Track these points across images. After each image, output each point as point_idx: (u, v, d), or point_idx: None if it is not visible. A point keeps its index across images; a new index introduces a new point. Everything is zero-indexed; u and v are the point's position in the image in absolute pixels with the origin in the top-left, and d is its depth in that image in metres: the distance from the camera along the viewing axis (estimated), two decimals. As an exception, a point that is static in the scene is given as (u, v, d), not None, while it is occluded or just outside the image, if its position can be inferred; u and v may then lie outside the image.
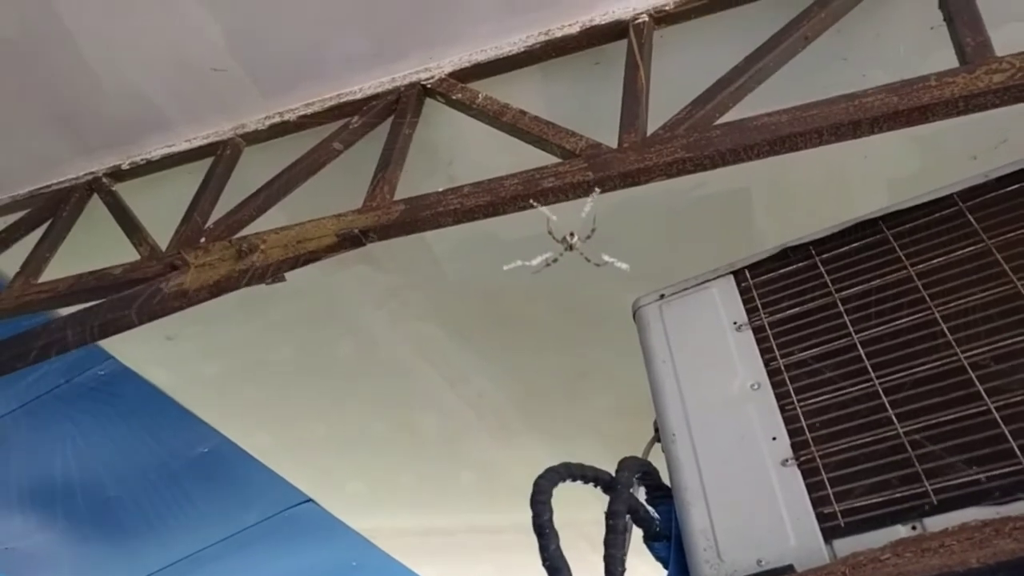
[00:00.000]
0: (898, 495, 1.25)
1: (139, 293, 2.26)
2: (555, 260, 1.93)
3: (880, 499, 1.26)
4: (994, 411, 1.27)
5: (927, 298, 1.49)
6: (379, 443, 4.56)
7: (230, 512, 4.85)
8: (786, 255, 1.74)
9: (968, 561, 1.06)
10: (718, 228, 3.00)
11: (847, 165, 2.56)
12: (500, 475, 4.74)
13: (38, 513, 4.54)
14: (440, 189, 2.10)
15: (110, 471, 4.39)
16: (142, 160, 2.90)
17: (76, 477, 4.38)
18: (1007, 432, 1.23)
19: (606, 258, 1.86)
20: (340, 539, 5.18)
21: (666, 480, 1.55)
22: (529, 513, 1.27)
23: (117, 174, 2.94)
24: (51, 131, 2.87)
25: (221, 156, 2.71)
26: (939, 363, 1.38)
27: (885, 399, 1.39)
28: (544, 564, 1.17)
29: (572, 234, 1.93)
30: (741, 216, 2.93)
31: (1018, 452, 1.20)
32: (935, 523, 1.18)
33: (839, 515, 1.27)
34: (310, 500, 4.87)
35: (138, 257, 2.53)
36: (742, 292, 1.74)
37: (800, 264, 1.71)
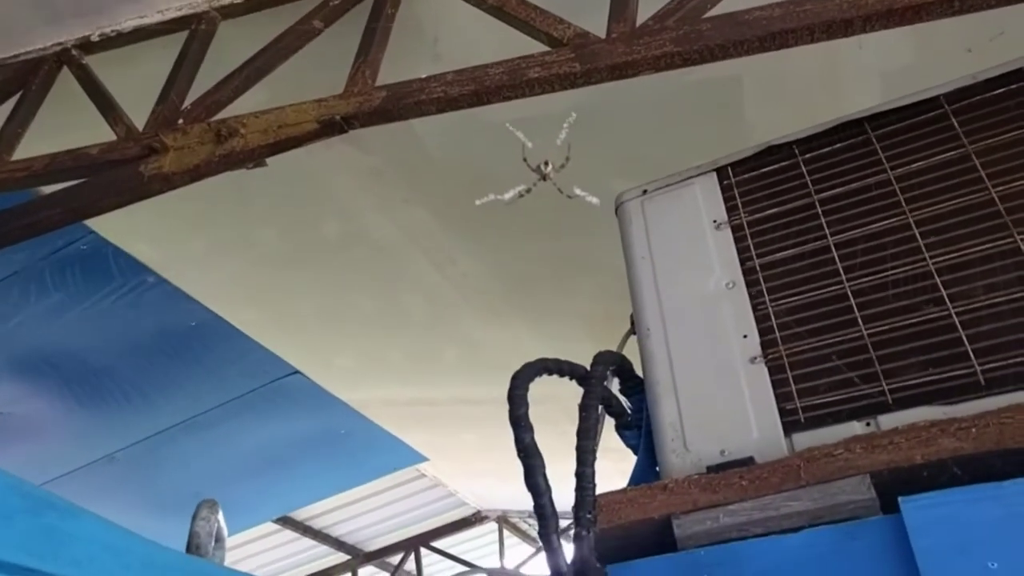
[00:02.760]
0: (856, 394, 1.32)
1: (118, 176, 2.25)
2: (528, 191, 1.91)
3: (839, 397, 1.33)
4: (954, 316, 1.31)
5: (903, 202, 1.50)
6: (366, 320, 4.65)
7: (219, 382, 4.99)
8: (769, 153, 1.73)
9: (913, 458, 1.14)
10: (708, 116, 2.96)
11: (841, 55, 2.51)
12: (484, 352, 4.89)
13: (30, 381, 4.65)
14: (424, 69, 2.05)
15: (98, 342, 4.48)
16: (112, 32, 2.79)
17: (64, 348, 4.47)
18: (964, 336, 1.28)
19: (578, 191, 1.85)
20: (328, 409, 5.37)
21: (640, 372, 1.61)
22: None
23: (86, 46, 2.84)
24: (13, -4, 2.74)
25: (196, 31, 2.61)
26: (908, 267, 1.42)
27: (853, 301, 1.43)
28: (519, 455, 1.24)
29: (547, 163, 1.91)
30: (732, 104, 2.89)
31: (971, 356, 1.26)
32: (888, 421, 1.25)
33: (800, 411, 1.34)
34: (298, 372, 5.02)
35: (114, 136, 2.48)
36: (724, 190, 1.74)
37: (783, 163, 1.70)
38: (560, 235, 3.73)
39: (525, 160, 1.90)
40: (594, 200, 1.84)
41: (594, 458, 1.31)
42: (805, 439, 1.30)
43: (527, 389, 1.33)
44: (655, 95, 2.84)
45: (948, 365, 1.27)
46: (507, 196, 1.92)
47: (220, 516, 1.17)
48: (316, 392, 5.17)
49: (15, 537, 0.74)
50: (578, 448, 1.29)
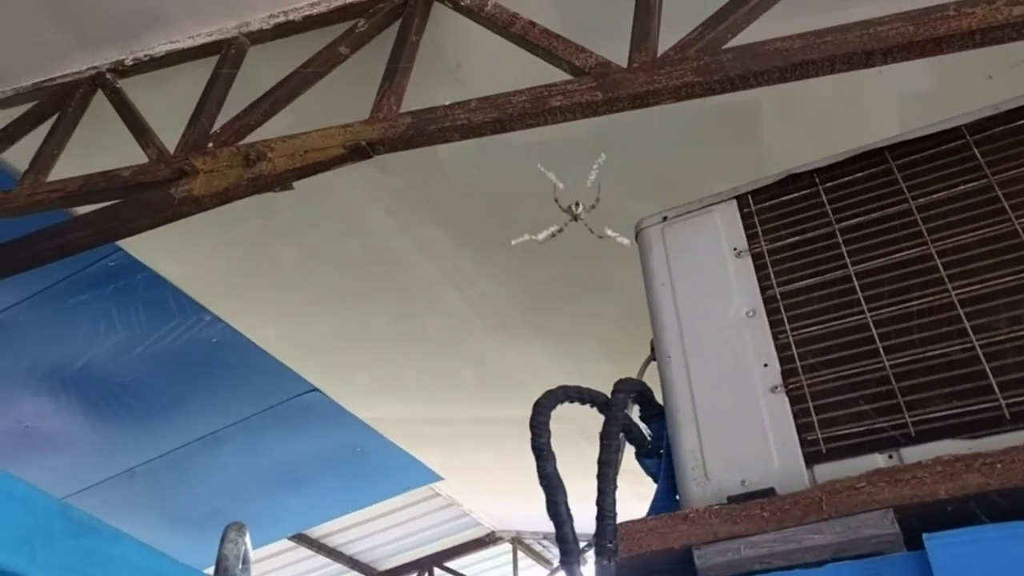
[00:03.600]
0: (878, 425, 1.32)
1: (149, 198, 2.29)
2: (560, 231, 1.94)
3: (861, 428, 1.33)
4: (978, 348, 1.31)
5: (925, 232, 1.50)
6: (384, 338, 4.68)
7: (239, 399, 5.04)
8: (790, 181, 1.74)
9: (937, 493, 1.13)
10: (727, 139, 2.98)
11: (861, 81, 2.51)
12: (501, 372, 4.90)
13: (54, 396, 4.71)
14: (446, 94, 2.09)
15: (121, 357, 4.54)
16: (145, 56, 2.86)
17: (89, 363, 4.53)
18: (988, 369, 1.28)
19: (609, 232, 1.87)
20: (345, 426, 5.40)
21: (660, 399, 1.62)
22: (527, 407, 1.34)
23: (120, 70, 2.91)
24: (52, 22, 2.83)
25: (226, 55, 2.67)
26: (930, 298, 1.42)
27: (875, 332, 1.43)
28: (541, 483, 1.25)
29: (577, 204, 1.93)
30: (751, 128, 2.91)
31: (996, 389, 1.26)
32: (911, 454, 1.25)
33: (821, 442, 1.34)
34: (316, 389, 5.05)
35: (145, 159, 2.54)
36: (744, 218, 1.75)
37: (803, 192, 1.71)
38: (577, 256, 3.74)
39: (556, 201, 1.92)
40: (625, 241, 1.86)
41: (615, 487, 1.31)
42: (827, 471, 1.30)
43: (549, 417, 1.34)
44: (674, 118, 2.85)
45: (972, 398, 1.27)
46: (541, 237, 1.94)
47: (247, 539, 1.19)
48: (333, 409, 5.20)
49: (57, 559, 0.77)
50: (599, 476, 1.30)
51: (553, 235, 1.97)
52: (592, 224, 1.96)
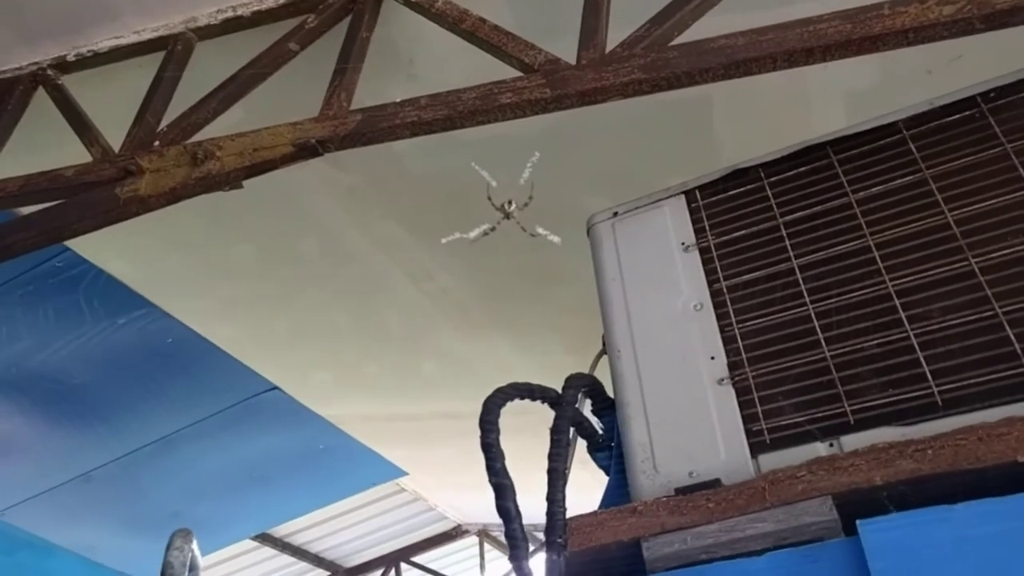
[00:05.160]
0: (820, 415, 1.35)
1: (94, 198, 2.25)
2: (492, 229, 1.95)
3: (803, 418, 1.36)
4: (913, 338, 1.35)
5: (864, 225, 1.54)
6: (343, 335, 4.66)
7: (197, 399, 4.97)
8: (736, 176, 1.77)
9: (873, 479, 1.17)
10: (679, 134, 3.02)
11: (807, 76, 2.56)
12: (462, 366, 4.90)
13: (3, 400, 4.60)
14: (399, 89, 2.08)
15: (74, 359, 4.44)
16: (88, 52, 2.79)
17: (40, 365, 4.43)
18: (922, 358, 1.32)
19: (540, 230, 1.89)
20: (307, 424, 5.36)
21: (611, 393, 1.64)
22: None
23: (62, 65, 2.84)
24: (-11, 16, 2.74)
25: (172, 51, 2.62)
26: (868, 290, 1.45)
27: (816, 323, 1.47)
28: (491, 481, 1.26)
29: (510, 202, 1.94)
30: (702, 121, 2.95)
31: (929, 377, 1.30)
32: (850, 442, 1.29)
33: (766, 432, 1.37)
34: (276, 388, 5.00)
35: (89, 158, 2.48)
36: (692, 212, 1.78)
37: (749, 186, 1.74)
38: (537, 249, 3.74)
39: (490, 199, 1.93)
40: (555, 239, 1.87)
41: (565, 481, 1.33)
42: (771, 460, 1.33)
43: (498, 415, 1.35)
44: (626, 113, 2.88)
45: (907, 386, 1.31)
46: (472, 235, 1.95)
47: (194, 545, 1.18)
48: (294, 408, 5.16)
49: (-12, 576, 0.75)
50: (549, 471, 1.32)
51: (485, 233, 1.98)
52: (525, 222, 1.97)
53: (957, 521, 0.97)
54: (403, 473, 6.55)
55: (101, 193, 2.27)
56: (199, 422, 5.10)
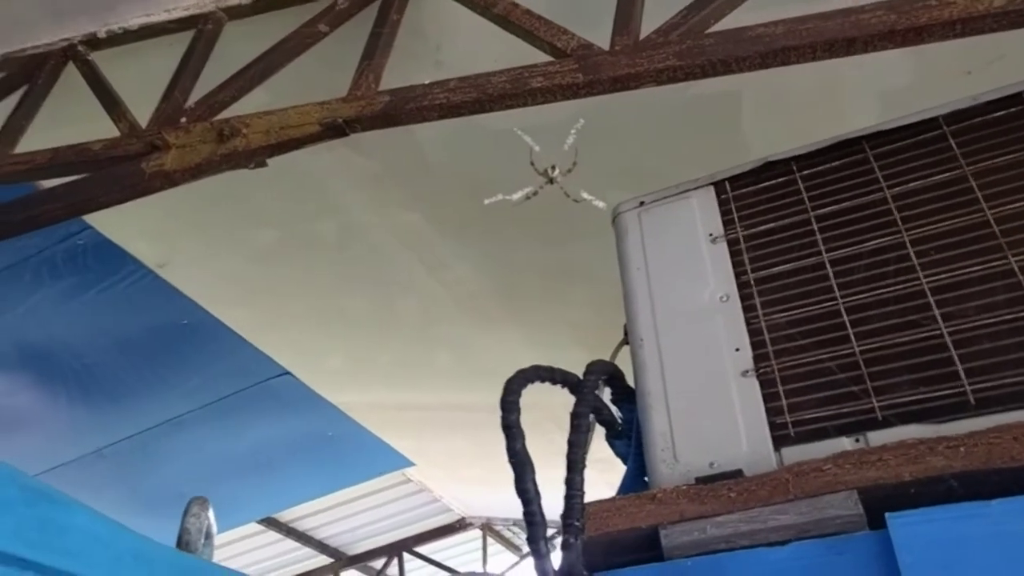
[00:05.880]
0: (846, 410, 1.33)
1: (120, 172, 2.25)
2: (535, 193, 1.94)
3: (829, 412, 1.34)
4: (946, 335, 1.32)
5: (899, 221, 1.51)
6: (358, 322, 4.66)
7: (209, 381, 4.99)
8: (767, 169, 1.75)
9: (901, 475, 1.15)
10: (707, 129, 2.99)
11: (840, 73, 2.53)
12: (475, 358, 4.89)
13: (20, 375, 4.64)
14: (427, 75, 2.07)
15: (91, 337, 4.47)
16: (119, 29, 2.80)
17: (57, 342, 4.46)
18: (955, 356, 1.30)
19: (584, 195, 1.87)
20: (317, 410, 5.37)
21: (632, 382, 1.62)
22: (500, 394, 1.34)
23: (93, 42, 2.85)
24: (22, -10, 2.76)
25: (202, 30, 2.63)
26: (901, 286, 1.43)
27: (846, 318, 1.44)
28: (510, 461, 1.24)
29: (553, 167, 1.93)
30: (731, 119, 2.92)
31: (962, 375, 1.27)
32: (878, 438, 1.26)
33: (790, 425, 1.35)
34: (288, 373, 5.01)
35: (117, 133, 2.49)
36: (721, 204, 1.75)
37: (780, 179, 1.72)
38: (554, 243, 3.74)
39: (532, 164, 1.92)
40: (601, 204, 1.86)
41: (584, 466, 1.31)
42: (794, 453, 1.31)
43: (519, 396, 1.33)
44: (655, 107, 2.86)
45: (938, 384, 1.28)
46: (515, 197, 1.94)
47: (210, 513, 1.17)
48: (305, 393, 5.17)
49: (10, 526, 0.75)
50: (568, 456, 1.30)
51: (528, 197, 1.97)
52: (568, 188, 1.96)
53: (994, 517, 0.95)
54: (410, 463, 6.56)
55: (127, 167, 2.28)
56: (210, 404, 5.13)
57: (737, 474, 1.31)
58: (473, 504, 8.30)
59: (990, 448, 1.12)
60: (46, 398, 4.80)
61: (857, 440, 1.29)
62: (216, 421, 5.28)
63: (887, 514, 1.07)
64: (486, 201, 1.95)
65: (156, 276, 4.11)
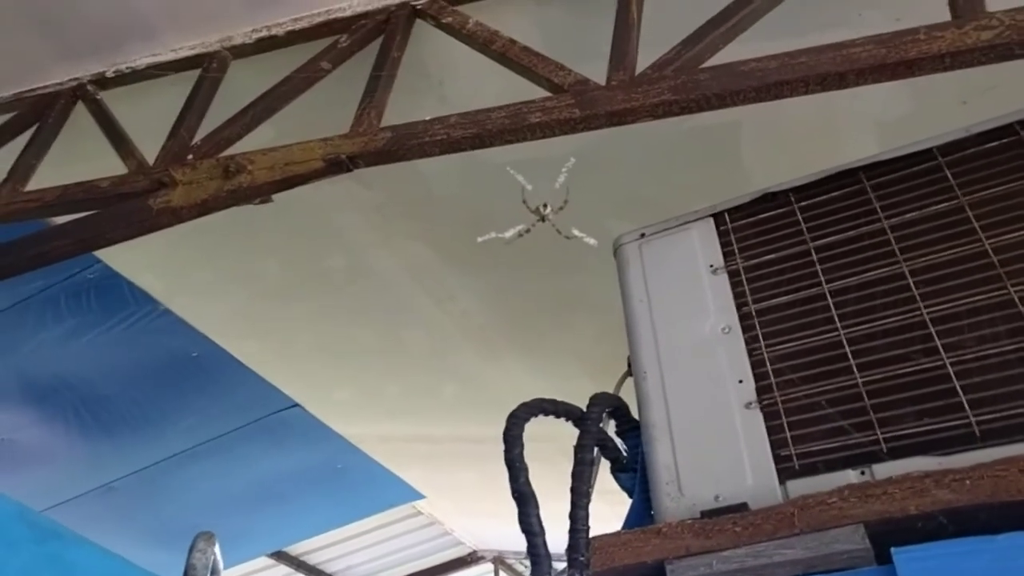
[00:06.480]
0: (851, 442, 1.32)
1: (128, 209, 2.28)
2: (527, 231, 1.95)
3: (834, 444, 1.34)
4: (949, 366, 1.32)
5: (897, 251, 1.52)
6: (366, 354, 4.66)
7: (219, 414, 4.99)
8: (766, 200, 1.76)
9: (907, 508, 1.14)
10: (706, 160, 3.01)
11: (837, 105, 2.54)
12: (483, 389, 4.88)
13: (32, 408, 4.65)
14: (429, 109, 2.10)
15: (101, 370, 4.49)
16: (127, 68, 2.86)
17: (68, 376, 4.48)
18: (958, 387, 1.29)
19: (576, 232, 1.89)
20: (327, 442, 5.35)
21: (636, 414, 1.62)
22: None
23: (101, 81, 2.90)
24: (33, 33, 2.82)
25: (208, 69, 2.67)
26: (902, 317, 1.43)
27: (848, 349, 1.44)
28: (513, 495, 1.24)
29: (545, 205, 1.95)
30: (730, 149, 2.94)
31: (966, 406, 1.27)
32: (883, 470, 1.26)
33: (795, 458, 1.35)
34: (297, 405, 5.01)
35: (125, 170, 2.53)
36: (721, 235, 1.77)
37: (779, 210, 1.73)
38: (560, 273, 3.75)
39: (524, 202, 1.94)
40: (592, 241, 1.87)
41: (588, 500, 1.31)
42: (799, 486, 1.31)
43: (523, 430, 1.34)
44: (654, 138, 2.88)
45: (943, 415, 1.28)
46: (508, 235, 1.95)
47: (217, 549, 1.17)
48: (315, 425, 5.16)
49: (20, 564, 0.76)
50: (572, 490, 1.30)
51: (520, 235, 1.99)
52: (560, 225, 1.97)
53: (999, 551, 0.94)
54: (420, 496, 6.51)
55: (135, 204, 2.31)
56: (220, 437, 5.12)
57: (742, 507, 1.31)
58: (485, 537, 8.22)
59: (996, 481, 1.11)
60: (56, 432, 4.81)
61: (862, 473, 1.29)
62: (226, 454, 5.27)
63: (893, 549, 1.06)
64: (479, 239, 1.97)
65: (165, 309, 4.14)
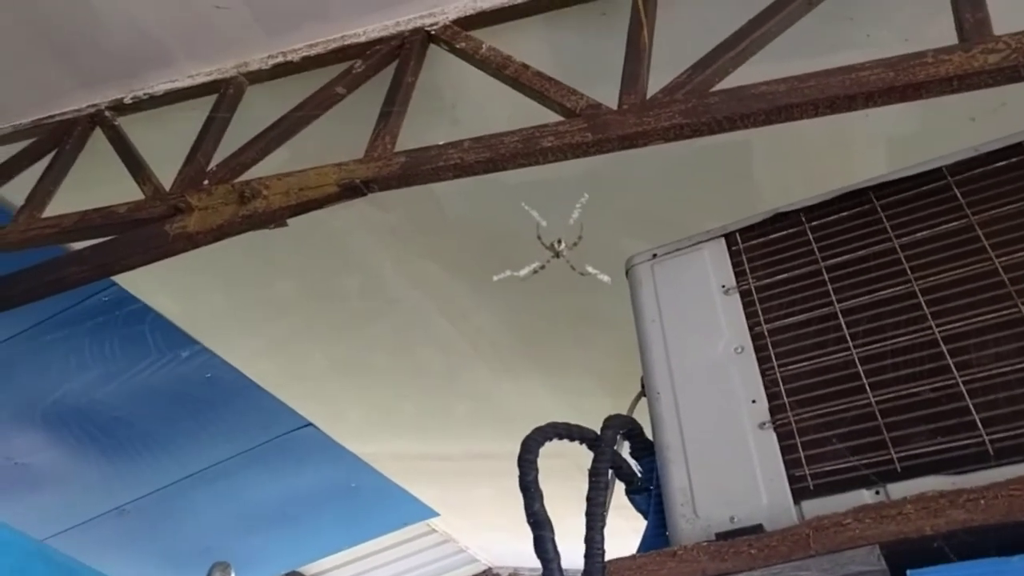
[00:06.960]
0: (865, 461, 1.33)
1: (145, 234, 2.32)
2: (542, 267, 1.98)
3: (848, 464, 1.34)
4: (961, 385, 1.33)
5: (908, 271, 1.53)
6: (380, 373, 4.68)
7: (232, 434, 5.01)
8: (777, 220, 1.77)
9: (923, 529, 1.14)
10: (718, 178, 3.02)
11: (848, 122, 2.54)
12: (497, 407, 4.88)
13: (47, 431, 4.69)
14: (442, 132, 2.13)
15: (115, 392, 4.52)
16: (144, 95, 2.91)
17: (82, 398, 4.52)
18: (971, 405, 1.30)
19: (590, 269, 1.91)
20: (340, 461, 5.36)
21: (650, 435, 1.63)
22: None
23: (119, 107, 2.95)
24: (52, 61, 2.87)
25: (224, 94, 2.72)
26: (914, 335, 1.44)
27: (860, 368, 1.45)
28: (528, 521, 1.25)
29: (559, 241, 1.97)
30: (741, 167, 2.95)
31: (979, 425, 1.27)
32: (897, 490, 1.26)
33: (809, 478, 1.35)
34: (311, 424, 5.03)
35: (142, 196, 2.57)
36: (732, 255, 1.78)
37: (790, 230, 1.74)
38: (573, 291, 3.75)
39: (539, 238, 1.95)
40: (606, 278, 1.88)
41: (603, 523, 1.32)
42: (815, 506, 1.31)
43: (537, 455, 1.35)
44: (666, 158, 2.89)
45: (956, 434, 1.28)
46: (522, 273, 1.97)
47: (233, 576, 1.19)
48: (328, 445, 5.17)
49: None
50: (588, 513, 1.31)
51: (535, 272, 2.00)
52: (574, 261, 1.99)
53: (1015, 573, 0.94)
54: (435, 514, 6.51)
55: (151, 229, 2.35)
56: (233, 457, 5.14)
57: (757, 528, 1.31)
58: (500, 554, 8.19)
59: (1011, 501, 1.11)
60: (70, 455, 4.85)
61: (877, 492, 1.29)
62: (239, 474, 5.29)
63: (909, 571, 1.06)
64: (495, 278, 1.98)
65: (179, 331, 4.17)
